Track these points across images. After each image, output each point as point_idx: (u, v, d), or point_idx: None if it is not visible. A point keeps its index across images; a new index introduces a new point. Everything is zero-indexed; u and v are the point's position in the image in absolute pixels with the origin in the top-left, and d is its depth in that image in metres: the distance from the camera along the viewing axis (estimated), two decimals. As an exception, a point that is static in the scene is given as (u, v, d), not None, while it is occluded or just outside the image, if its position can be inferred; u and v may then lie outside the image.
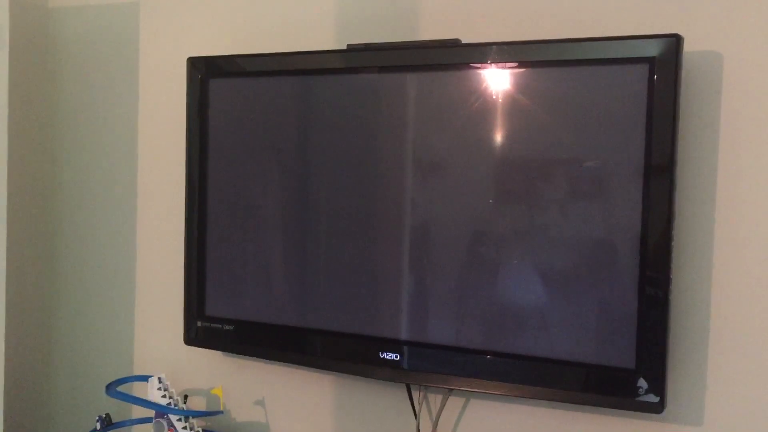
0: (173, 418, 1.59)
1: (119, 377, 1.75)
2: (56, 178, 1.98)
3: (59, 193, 1.98)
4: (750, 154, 1.26)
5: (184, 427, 1.59)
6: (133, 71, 1.86)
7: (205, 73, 1.60)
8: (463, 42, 1.38)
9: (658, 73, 1.20)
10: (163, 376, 1.65)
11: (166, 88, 1.80)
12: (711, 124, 1.28)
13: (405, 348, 1.41)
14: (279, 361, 1.64)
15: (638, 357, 1.23)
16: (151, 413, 1.63)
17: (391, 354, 1.42)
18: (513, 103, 1.32)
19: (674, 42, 1.19)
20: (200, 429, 1.63)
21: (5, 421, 1.85)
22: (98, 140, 1.92)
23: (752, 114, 1.25)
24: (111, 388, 1.62)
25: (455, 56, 1.37)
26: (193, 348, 1.68)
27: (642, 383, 1.22)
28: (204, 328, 1.63)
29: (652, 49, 1.20)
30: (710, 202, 1.28)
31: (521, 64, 1.30)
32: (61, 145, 1.97)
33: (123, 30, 1.87)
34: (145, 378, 1.68)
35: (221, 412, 1.66)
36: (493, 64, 1.32)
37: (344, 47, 1.49)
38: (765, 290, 1.25)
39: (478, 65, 1.33)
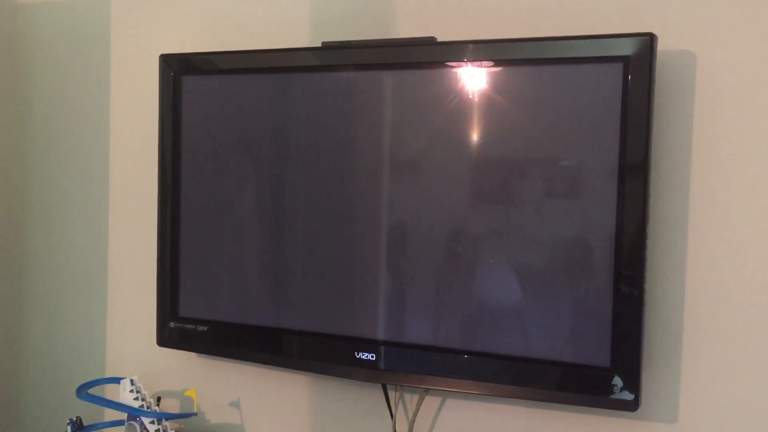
0: (146, 420, 1.57)
1: (91, 379, 1.72)
2: (26, 177, 1.95)
3: (29, 193, 1.95)
4: (723, 153, 1.27)
5: (157, 430, 1.57)
6: (104, 68, 1.83)
7: (178, 71, 1.58)
8: (438, 40, 1.38)
9: (633, 71, 1.20)
10: (135, 378, 1.63)
11: (139, 85, 1.77)
12: (684, 123, 1.29)
13: (381, 348, 1.40)
14: (254, 361, 1.62)
15: (613, 355, 1.23)
16: (124, 416, 1.60)
17: (367, 354, 1.41)
18: (488, 102, 1.31)
19: (648, 41, 1.19)
20: (173, 431, 1.61)
21: (-27, 425, 1.82)
22: (69, 138, 1.89)
23: (725, 113, 1.26)
24: (82, 391, 1.59)
25: (431, 54, 1.36)
26: (166, 349, 1.66)
27: (617, 381, 1.23)
28: (177, 329, 1.61)
29: (627, 48, 1.20)
30: (684, 201, 1.29)
31: (496, 63, 1.30)
32: (32, 143, 1.94)
33: (94, 26, 1.84)
34: (117, 380, 1.66)
35: (195, 414, 1.64)
36: (468, 63, 1.32)
37: (319, 44, 1.47)
38: (738, 288, 1.26)
39: (454, 63, 1.33)
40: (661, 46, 1.22)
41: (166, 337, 1.63)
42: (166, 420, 1.60)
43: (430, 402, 1.49)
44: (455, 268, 1.37)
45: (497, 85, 1.31)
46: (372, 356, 1.40)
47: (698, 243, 1.29)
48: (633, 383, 1.22)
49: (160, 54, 1.61)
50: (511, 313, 1.32)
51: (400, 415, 1.51)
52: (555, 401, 1.32)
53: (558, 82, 1.28)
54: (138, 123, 1.78)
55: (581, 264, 1.27)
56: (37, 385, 1.96)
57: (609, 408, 1.26)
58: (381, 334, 1.41)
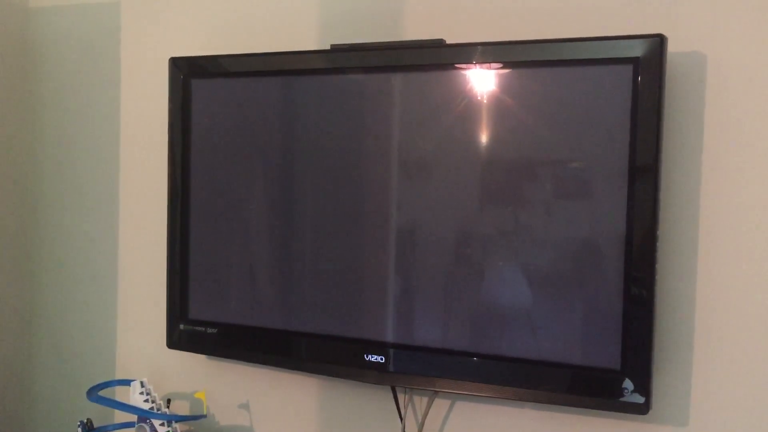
0: (156, 422, 1.58)
1: (101, 381, 1.72)
2: (37, 179, 1.96)
3: (40, 195, 1.96)
4: (734, 154, 1.26)
5: (167, 432, 1.58)
6: (114, 71, 1.84)
7: (188, 74, 1.59)
8: (447, 42, 1.38)
9: (643, 73, 1.20)
10: (145, 380, 1.63)
11: (148, 88, 1.78)
12: (695, 124, 1.28)
13: (390, 350, 1.40)
14: (263, 364, 1.63)
15: (624, 358, 1.23)
16: (134, 418, 1.61)
17: (376, 356, 1.41)
18: (498, 104, 1.31)
19: (658, 42, 1.19)
20: (183, 433, 1.62)
21: (-16, 427, 1.83)
22: (80, 141, 1.89)
23: (736, 114, 1.26)
24: (92, 393, 1.60)
25: (440, 57, 1.36)
26: (176, 351, 1.67)
27: (628, 384, 1.22)
28: (187, 331, 1.61)
29: (637, 50, 1.20)
30: (694, 203, 1.28)
31: (506, 65, 1.30)
32: (42, 146, 1.95)
33: (104, 30, 1.85)
34: (127, 382, 1.66)
35: (204, 416, 1.65)
36: (477, 65, 1.32)
37: (327, 47, 1.48)
38: (750, 289, 1.26)
39: (463, 66, 1.33)
40: (671, 47, 1.22)
41: (176, 340, 1.63)
42: (176, 422, 1.60)
43: (440, 404, 1.49)
44: (464, 270, 1.36)
45: (506, 87, 1.31)
46: (381, 359, 1.40)
47: (709, 244, 1.28)
48: (644, 386, 1.21)
49: (169, 57, 1.62)
50: (520, 316, 1.32)
51: (409, 417, 1.51)
52: (565, 404, 1.31)
53: (568, 84, 1.27)
54: (148, 126, 1.79)
55: (591, 266, 1.27)
56: (48, 388, 1.97)
57: (619, 411, 1.25)
58: (390, 337, 1.41)
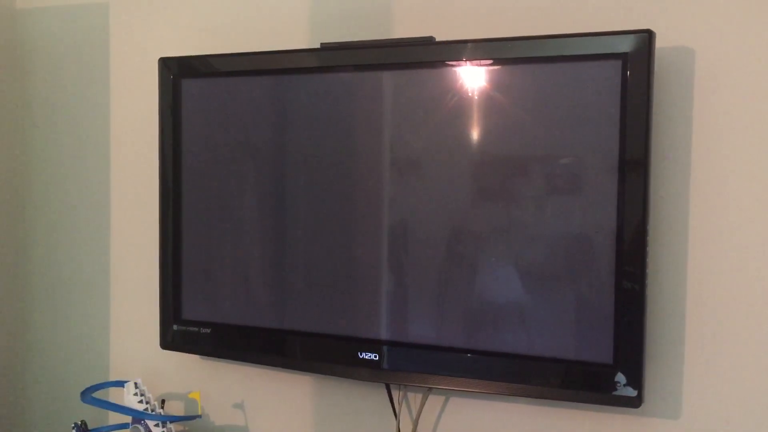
0: (150, 423, 1.57)
1: (95, 383, 1.72)
2: (27, 182, 1.95)
3: (30, 197, 1.95)
4: (722, 148, 1.27)
5: (162, 433, 1.58)
6: (104, 72, 1.83)
7: (177, 74, 1.59)
8: (436, 39, 1.38)
9: (631, 68, 1.20)
10: (139, 381, 1.63)
11: (138, 89, 1.78)
12: (684, 119, 1.29)
13: (384, 348, 1.40)
14: (257, 363, 1.63)
15: (616, 352, 1.23)
16: (128, 419, 1.61)
17: (370, 354, 1.41)
18: (488, 101, 1.32)
19: (646, 37, 1.19)
20: (178, 434, 1.62)
21: (-22, 430, 1.82)
22: (70, 142, 1.89)
23: (724, 108, 1.26)
24: (86, 395, 1.59)
25: (429, 54, 1.36)
26: (169, 352, 1.67)
27: (620, 378, 1.23)
28: (180, 331, 1.61)
29: (625, 45, 1.20)
30: (684, 197, 1.29)
31: (495, 62, 1.30)
32: (32, 148, 1.94)
33: (93, 31, 1.84)
34: (121, 383, 1.66)
35: (199, 417, 1.65)
36: (467, 62, 1.32)
37: (318, 46, 1.48)
38: (740, 282, 1.26)
39: (452, 63, 1.33)
40: (659, 43, 1.22)
41: (170, 340, 1.63)
42: (171, 422, 1.60)
43: (434, 401, 1.49)
44: (457, 266, 1.37)
45: (496, 84, 1.31)
46: (375, 356, 1.41)
47: (699, 238, 1.29)
48: (636, 379, 1.22)
49: (159, 57, 1.61)
50: (513, 311, 1.32)
51: (403, 414, 1.51)
52: (558, 398, 1.32)
53: (557, 80, 1.28)
54: (138, 126, 1.78)
55: (583, 261, 1.27)
56: (42, 390, 1.96)
57: (612, 405, 1.26)
58: (384, 334, 1.41)
